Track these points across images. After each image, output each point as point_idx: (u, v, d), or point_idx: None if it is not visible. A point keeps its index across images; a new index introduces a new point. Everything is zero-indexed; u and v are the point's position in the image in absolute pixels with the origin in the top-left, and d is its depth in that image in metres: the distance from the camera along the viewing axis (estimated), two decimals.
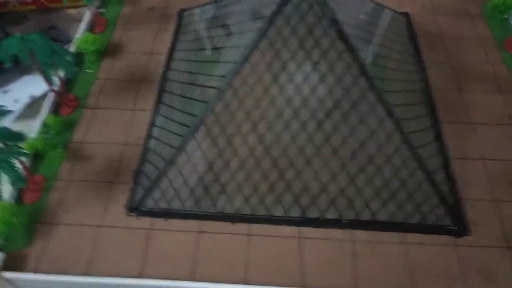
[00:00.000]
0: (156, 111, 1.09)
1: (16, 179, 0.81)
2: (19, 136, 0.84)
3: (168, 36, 1.28)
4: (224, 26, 1.06)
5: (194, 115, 0.93)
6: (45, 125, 1.05)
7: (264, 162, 0.89)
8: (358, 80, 0.85)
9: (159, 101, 1.12)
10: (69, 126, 1.08)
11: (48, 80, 1.02)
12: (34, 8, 1.43)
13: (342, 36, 0.85)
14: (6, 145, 0.82)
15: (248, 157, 0.89)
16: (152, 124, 1.07)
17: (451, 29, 1.33)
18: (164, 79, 1.16)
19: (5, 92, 1.26)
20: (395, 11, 1.33)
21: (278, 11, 0.86)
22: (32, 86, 1.25)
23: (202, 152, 0.90)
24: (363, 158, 0.88)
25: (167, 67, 1.19)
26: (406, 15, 1.34)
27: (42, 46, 0.91)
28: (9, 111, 0.90)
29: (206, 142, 0.89)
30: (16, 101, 1.23)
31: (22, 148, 0.85)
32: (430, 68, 1.20)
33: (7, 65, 0.91)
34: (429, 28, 1.33)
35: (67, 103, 1.11)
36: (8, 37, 0.92)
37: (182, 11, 1.34)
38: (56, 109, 1.10)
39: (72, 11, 1.45)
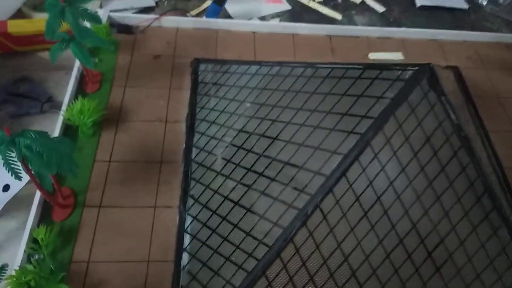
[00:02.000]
0: (185, 209, 0.83)
1: None
2: None
3: (184, 96, 1.01)
4: (281, 98, 0.81)
5: (247, 234, 0.68)
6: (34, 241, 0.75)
7: None
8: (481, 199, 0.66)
9: (186, 193, 0.85)
10: (67, 236, 0.79)
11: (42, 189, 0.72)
12: None
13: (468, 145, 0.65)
14: None
15: None
16: (182, 229, 0.81)
17: (503, 83, 1.19)
18: (189, 160, 0.90)
19: None
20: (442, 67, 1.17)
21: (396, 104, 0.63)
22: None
23: None
24: None
25: (191, 143, 0.93)
26: (455, 69, 1.18)
27: (40, 153, 0.62)
28: None
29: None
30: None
31: None
32: (495, 141, 1.04)
33: None
34: (481, 83, 1.18)
35: (62, 202, 0.81)
36: None
37: (197, 62, 1.08)
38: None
39: (47, 54, 1.11)
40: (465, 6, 1.42)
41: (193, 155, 0.91)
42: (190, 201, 0.84)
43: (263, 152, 0.76)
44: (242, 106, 0.88)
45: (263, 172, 0.74)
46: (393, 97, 0.63)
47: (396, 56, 1.19)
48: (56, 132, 0.89)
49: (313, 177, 0.66)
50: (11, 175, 0.61)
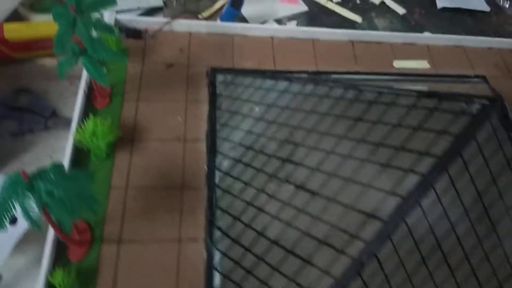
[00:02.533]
0: (212, 243, 0.76)
1: None
2: None
3: (202, 110, 0.93)
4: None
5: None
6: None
7: None
8: None
9: (212, 224, 0.78)
10: (86, 278, 0.71)
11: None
12: None
13: None
14: None
15: None
16: (210, 266, 0.74)
17: None
18: (212, 185, 0.83)
19: None
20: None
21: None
22: None
23: None
24: None
25: (213, 165, 0.85)
26: (483, 79, 1.12)
27: (62, 199, 0.54)
28: None
29: None
30: None
31: None
32: None
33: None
34: (509, 93, 1.13)
35: (78, 238, 0.73)
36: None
37: (214, 72, 0.99)
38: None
39: (48, 62, 1.02)
40: (486, 8, 1.36)
41: (217, 179, 0.84)
42: (218, 234, 0.77)
43: (302, 184, 0.70)
44: (272, 127, 0.81)
45: (305, 208, 0.67)
46: (459, 133, 0.57)
47: (421, 65, 1.13)
48: (66, 156, 0.80)
49: (367, 220, 0.59)
50: (32, 226, 0.54)
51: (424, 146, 0.59)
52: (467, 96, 0.59)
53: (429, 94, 0.62)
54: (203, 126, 0.91)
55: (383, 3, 1.31)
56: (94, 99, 0.90)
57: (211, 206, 0.81)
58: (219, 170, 0.85)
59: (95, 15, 0.73)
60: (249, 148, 0.82)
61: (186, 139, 0.89)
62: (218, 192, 0.82)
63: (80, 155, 0.83)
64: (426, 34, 1.24)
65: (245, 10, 1.19)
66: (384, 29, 1.24)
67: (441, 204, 0.58)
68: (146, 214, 0.79)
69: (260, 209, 0.73)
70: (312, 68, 1.07)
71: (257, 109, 0.87)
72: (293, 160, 0.74)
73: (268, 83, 0.87)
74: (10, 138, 0.89)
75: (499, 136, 0.58)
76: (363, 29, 1.23)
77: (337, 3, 1.27)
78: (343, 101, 0.72)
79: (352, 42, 1.14)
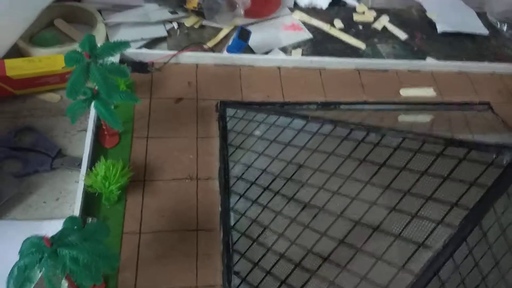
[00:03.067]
0: None
1: None
2: None
3: (213, 146, 0.91)
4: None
5: None
6: None
7: None
8: None
9: (230, 270, 0.76)
10: None
11: None
12: None
13: None
14: None
15: None
16: None
17: None
18: (228, 227, 0.81)
19: None
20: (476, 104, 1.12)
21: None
22: None
23: None
24: None
25: (227, 206, 0.83)
26: (488, 105, 1.13)
27: (87, 264, 0.51)
28: None
29: None
30: None
31: None
32: None
33: None
34: None
35: None
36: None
37: (224, 105, 0.97)
38: None
39: (50, 97, 0.98)
40: (485, 31, 1.38)
41: (232, 221, 0.82)
42: (237, 280, 0.75)
43: (326, 231, 0.68)
44: (289, 167, 0.80)
45: (327, 257, 0.66)
46: (492, 185, 0.56)
47: (427, 93, 1.13)
48: (77, 203, 0.77)
49: (396, 273, 0.58)
50: None
51: (453, 197, 0.58)
52: (496, 146, 0.58)
53: (457, 143, 0.61)
54: (215, 163, 0.90)
55: (385, 28, 1.31)
56: (103, 138, 0.88)
57: (228, 250, 0.79)
58: (234, 210, 0.83)
59: (109, 60, 0.71)
60: (266, 188, 0.81)
61: (198, 177, 0.87)
62: (235, 235, 0.80)
63: (89, 199, 0.80)
64: (429, 59, 1.25)
65: (251, 40, 1.18)
66: (388, 54, 1.25)
67: (473, 257, 0.57)
68: (161, 260, 0.77)
69: (282, 255, 0.71)
70: (320, 98, 1.06)
71: (273, 148, 0.86)
72: (315, 205, 0.72)
73: (283, 121, 0.86)
74: (14, 180, 0.86)
75: None
76: (367, 55, 1.23)
77: (340, 30, 1.27)
78: (365, 144, 0.72)
79: (358, 71, 1.14)
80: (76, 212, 0.76)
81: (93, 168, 0.79)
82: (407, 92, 1.12)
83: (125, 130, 0.90)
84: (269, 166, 0.83)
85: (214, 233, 0.81)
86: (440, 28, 1.34)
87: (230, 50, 1.08)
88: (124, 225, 0.79)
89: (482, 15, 1.44)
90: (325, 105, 1.04)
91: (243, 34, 1.05)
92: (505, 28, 1.40)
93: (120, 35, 1.10)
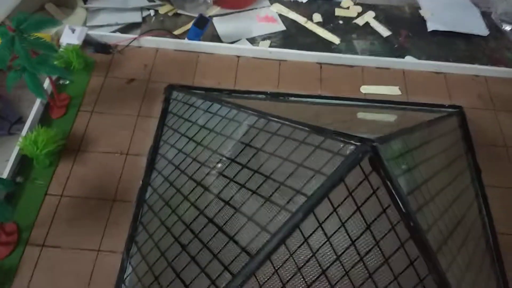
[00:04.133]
0: (127, 257, 0.79)
1: None
2: None
3: (151, 126, 0.96)
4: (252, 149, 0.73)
5: None
6: None
7: None
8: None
9: (132, 239, 0.81)
10: (4, 276, 0.77)
11: None
12: None
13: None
14: None
15: None
16: (120, 279, 0.77)
17: None
18: (142, 202, 0.85)
19: None
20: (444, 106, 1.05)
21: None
22: None
23: None
24: None
25: (147, 181, 0.88)
26: (459, 109, 1.05)
27: None
28: None
29: None
30: None
31: None
32: (493, 198, 0.92)
33: None
34: (489, 129, 1.04)
35: (5, 240, 0.79)
36: None
37: (171, 88, 1.02)
38: None
39: None
40: (484, 32, 1.26)
41: (147, 195, 0.86)
42: (135, 249, 0.80)
43: (208, 213, 0.70)
44: (205, 153, 0.82)
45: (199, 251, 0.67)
46: (329, 176, 0.54)
47: (391, 91, 1.08)
48: (10, 161, 0.87)
49: (239, 254, 0.59)
50: None
51: (300, 184, 0.57)
52: (346, 136, 0.56)
53: (317, 130, 0.60)
54: (149, 142, 0.94)
55: (367, 24, 1.26)
56: (51, 109, 0.97)
57: (135, 221, 0.83)
58: (152, 186, 0.87)
59: (35, 35, 0.78)
60: (177, 167, 0.84)
61: (128, 153, 0.93)
62: (145, 208, 0.84)
63: (26, 161, 0.89)
64: (407, 58, 1.18)
65: (220, 28, 1.21)
66: (363, 51, 1.20)
67: (309, 245, 0.56)
68: (73, 222, 0.83)
69: (168, 229, 0.74)
70: (272, 89, 1.06)
71: (199, 133, 0.88)
72: (204, 185, 0.74)
73: (215, 107, 0.87)
74: None
75: (372, 181, 0.54)
76: (340, 50, 1.20)
77: (318, 23, 1.25)
78: (253, 129, 0.72)
79: (320, 65, 1.11)
80: (7, 170, 0.86)
81: (27, 133, 0.88)
82: (368, 89, 1.08)
83: (74, 104, 0.99)
84: (185, 147, 0.86)
85: (128, 205, 0.86)
86: (430, 27, 1.26)
87: (190, 37, 1.12)
88: (49, 187, 0.87)
89: (487, 15, 1.32)
90: (274, 96, 1.04)
91: (201, 21, 1.08)
92: (508, 28, 1.27)
93: (99, 19, 1.19)
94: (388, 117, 1.06)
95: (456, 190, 0.88)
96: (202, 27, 1.09)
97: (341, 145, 0.56)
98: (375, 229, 0.56)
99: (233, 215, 0.64)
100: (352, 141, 0.55)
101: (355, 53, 1.20)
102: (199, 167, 0.77)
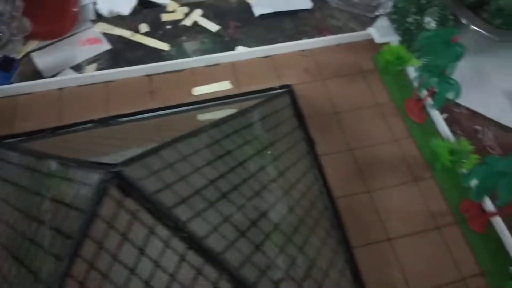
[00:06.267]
0: None
1: None
2: None
3: None
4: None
5: None
6: None
7: None
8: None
9: None
10: None
11: None
12: None
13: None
14: None
15: None
16: None
17: (343, 97, 1.09)
18: None
19: None
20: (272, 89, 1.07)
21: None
22: None
23: None
24: None
25: None
26: (288, 88, 1.07)
27: None
28: None
29: None
30: None
31: None
32: (327, 166, 0.96)
33: None
34: (318, 99, 1.08)
35: None
36: None
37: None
38: None
39: None
40: (308, 5, 1.31)
41: None
42: None
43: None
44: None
45: None
46: (85, 212, 0.52)
47: (222, 86, 1.08)
48: None
49: None
50: None
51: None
52: (87, 164, 0.54)
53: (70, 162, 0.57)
54: None
55: (195, 23, 1.26)
56: None
57: None
58: None
59: None
60: None
61: None
62: None
63: None
64: (238, 49, 1.19)
65: (40, 62, 1.14)
66: (195, 51, 1.20)
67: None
68: None
69: None
70: (102, 114, 1.02)
71: None
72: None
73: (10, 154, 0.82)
74: None
75: (129, 207, 0.53)
76: (171, 56, 1.18)
77: (145, 34, 1.22)
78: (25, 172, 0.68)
79: (149, 77, 1.09)
80: None
81: None
82: (199, 90, 1.07)
83: None
84: None
85: None
86: (256, 12, 1.28)
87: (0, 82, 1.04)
88: None
89: None
90: (103, 122, 1.00)
91: (5, 63, 1.01)
92: None
93: None
94: (225, 113, 1.07)
95: (296, 169, 0.91)
96: (9, 69, 1.02)
97: (91, 176, 0.54)
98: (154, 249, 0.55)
99: None
100: (96, 170, 0.53)
101: (187, 56, 1.19)
102: None
